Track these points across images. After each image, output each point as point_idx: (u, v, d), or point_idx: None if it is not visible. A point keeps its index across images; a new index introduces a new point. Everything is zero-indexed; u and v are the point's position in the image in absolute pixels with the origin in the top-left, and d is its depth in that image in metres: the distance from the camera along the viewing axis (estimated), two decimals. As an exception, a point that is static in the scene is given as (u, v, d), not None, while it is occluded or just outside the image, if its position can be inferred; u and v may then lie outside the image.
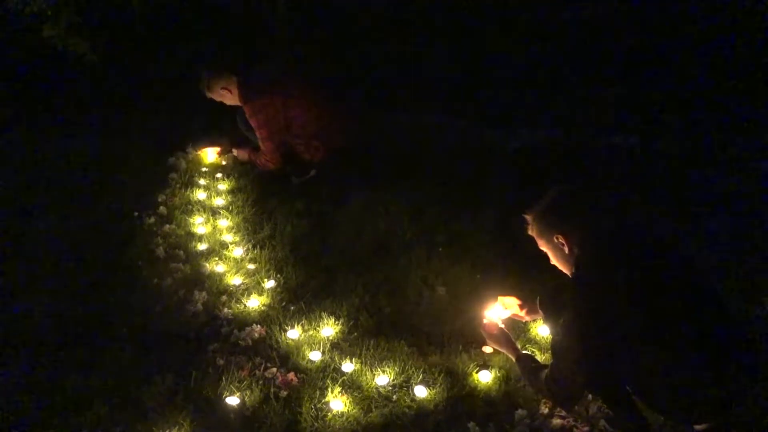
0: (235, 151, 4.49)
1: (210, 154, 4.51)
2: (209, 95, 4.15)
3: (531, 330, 2.81)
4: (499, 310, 2.76)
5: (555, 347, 2.20)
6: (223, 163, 4.51)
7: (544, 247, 2.32)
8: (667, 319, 1.97)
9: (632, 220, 2.41)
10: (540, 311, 2.63)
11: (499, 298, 2.79)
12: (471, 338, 2.75)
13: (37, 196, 4.01)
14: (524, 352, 2.59)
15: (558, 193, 2.31)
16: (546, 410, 2.37)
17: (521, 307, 2.77)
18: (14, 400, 2.44)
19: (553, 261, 2.33)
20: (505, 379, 2.52)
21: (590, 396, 2.35)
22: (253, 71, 4.19)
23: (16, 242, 3.51)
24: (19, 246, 3.47)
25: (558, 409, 2.37)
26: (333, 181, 4.15)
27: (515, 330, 2.81)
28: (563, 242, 2.20)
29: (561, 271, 2.32)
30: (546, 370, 2.26)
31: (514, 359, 2.53)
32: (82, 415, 2.35)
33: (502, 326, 2.70)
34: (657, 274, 2.06)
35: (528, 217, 2.33)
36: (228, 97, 4.11)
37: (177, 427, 2.28)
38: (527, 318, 2.79)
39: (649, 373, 1.99)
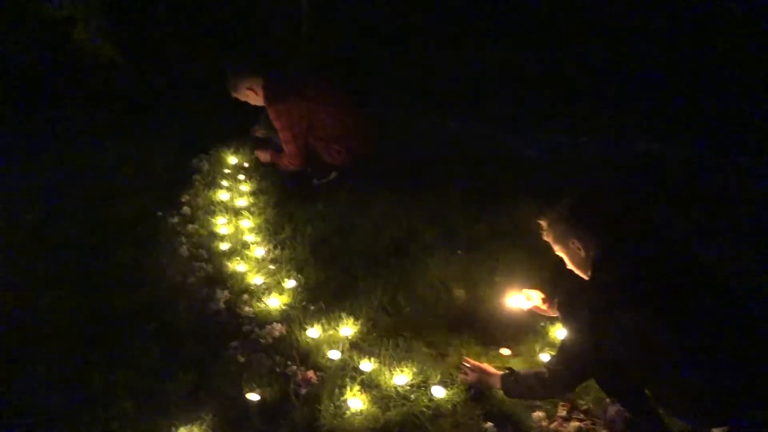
0: (257, 152, 4.56)
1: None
2: (234, 95, 4.21)
3: (549, 333, 2.82)
4: (521, 300, 2.77)
5: (566, 347, 2.21)
6: (245, 164, 4.57)
7: (560, 252, 2.34)
8: (686, 323, 1.98)
9: (650, 225, 2.40)
10: (558, 311, 2.64)
11: (524, 290, 2.80)
12: (489, 340, 2.77)
13: (63, 195, 4.09)
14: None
15: (574, 199, 2.33)
16: (564, 412, 2.38)
17: (544, 301, 2.77)
18: (41, 394, 2.49)
19: (570, 265, 2.33)
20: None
21: (608, 399, 2.36)
22: (278, 73, 4.24)
23: (42, 240, 3.58)
24: (45, 243, 3.55)
25: (576, 411, 2.38)
26: (353, 183, 4.19)
27: (534, 333, 2.82)
28: (580, 246, 2.21)
29: (577, 275, 2.34)
30: (536, 370, 2.31)
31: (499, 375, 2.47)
32: (107, 409, 2.41)
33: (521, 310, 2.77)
34: (675, 278, 2.07)
35: (543, 223, 2.35)
36: (252, 97, 4.17)
37: (199, 422, 2.32)
38: (548, 312, 2.78)
39: (668, 378, 2.00)
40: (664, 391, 2.06)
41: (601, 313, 2.06)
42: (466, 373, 2.56)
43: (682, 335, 1.96)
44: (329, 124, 4.16)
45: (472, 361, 2.60)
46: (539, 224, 2.36)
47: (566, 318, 2.38)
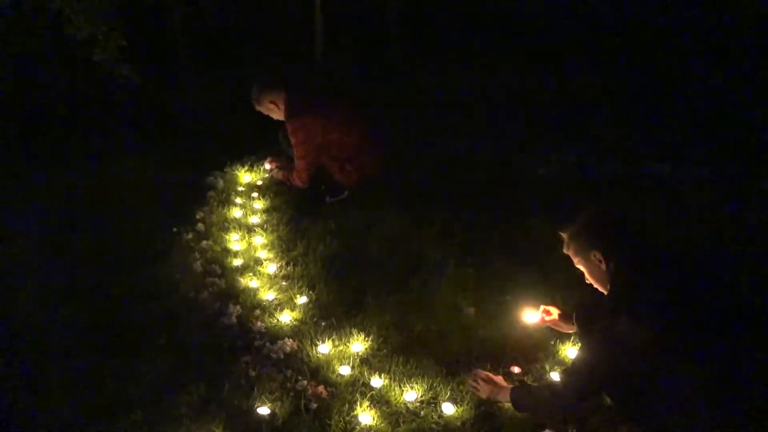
0: (272, 169, 4.62)
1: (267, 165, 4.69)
2: (258, 108, 4.30)
3: (560, 352, 2.81)
4: (537, 316, 2.83)
5: (582, 357, 2.24)
6: (259, 182, 4.63)
7: (580, 265, 2.36)
8: (704, 341, 2.00)
9: (666, 243, 2.44)
10: (575, 324, 2.65)
11: (541, 306, 2.84)
12: (500, 358, 2.77)
13: (79, 209, 4.16)
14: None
15: (595, 212, 2.36)
16: (574, 430, 2.37)
17: (560, 317, 2.81)
18: (54, 404, 2.52)
19: (589, 279, 2.36)
20: (532, 400, 2.53)
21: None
22: (300, 89, 4.29)
23: (58, 253, 3.64)
24: (61, 257, 3.60)
25: (586, 429, 2.37)
26: (366, 202, 4.22)
27: (544, 352, 2.82)
28: (601, 259, 2.24)
29: (596, 289, 2.35)
30: (549, 382, 2.40)
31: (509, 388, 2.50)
32: (118, 420, 2.43)
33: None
34: (694, 296, 2.11)
35: (564, 235, 2.37)
36: (275, 111, 4.25)
37: (209, 435, 2.34)
38: (565, 328, 2.82)
39: (682, 397, 2.00)
40: (661, 407, 2.09)
41: (618, 325, 2.07)
42: (477, 385, 2.56)
43: (701, 355, 1.98)
44: (344, 144, 4.21)
45: (483, 372, 2.61)
46: (560, 237, 2.39)
47: (583, 330, 2.40)
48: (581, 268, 2.36)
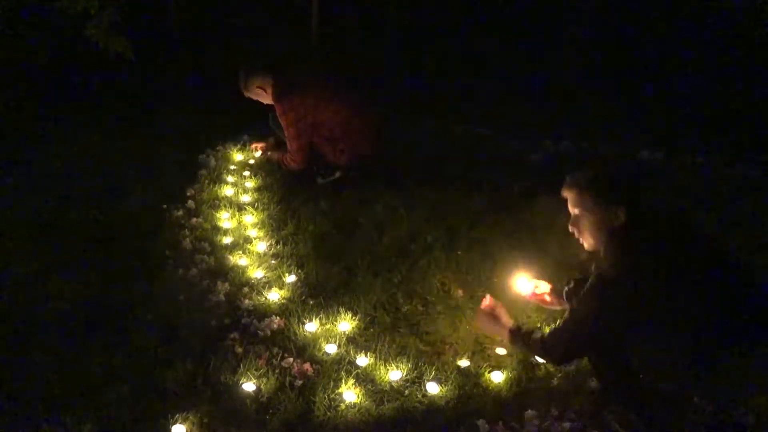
0: (263, 153, 4.61)
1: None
2: (246, 94, 4.29)
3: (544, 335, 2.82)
4: (528, 286, 2.84)
5: (571, 317, 2.29)
6: (251, 161, 4.61)
7: (584, 219, 2.30)
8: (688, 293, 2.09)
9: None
10: (565, 300, 2.66)
11: (534, 280, 2.87)
12: (485, 339, 2.79)
13: (71, 187, 4.14)
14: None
15: (603, 168, 2.39)
16: (556, 412, 2.39)
17: (552, 292, 2.82)
18: (41, 379, 2.52)
19: (586, 236, 2.32)
20: (516, 381, 2.55)
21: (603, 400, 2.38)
22: (287, 71, 4.28)
23: (49, 229, 3.63)
24: (50, 233, 3.59)
25: (569, 411, 2.39)
26: (357, 183, 4.22)
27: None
28: (618, 215, 2.20)
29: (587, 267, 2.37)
30: (540, 332, 2.40)
31: (508, 326, 2.55)
32: (104, 394, 2.44)
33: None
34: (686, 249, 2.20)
35: (571, 190, 2.31)
36: (263, 95, 4.24)
37: (195, 410, 2.35)
38: (552, 305, 2.83)
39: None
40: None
41: (611, 276, 2.12)
42: (482, 315, 2.65)
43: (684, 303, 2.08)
44: (335, 123, 4.19)
45: (492, 301, 2.67)
46: (570, 191, 2.32)
47: (572, 299, 2.42)
48: (584, 224, 2.30)
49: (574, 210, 2.32)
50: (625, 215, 2.19)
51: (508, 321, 2.59)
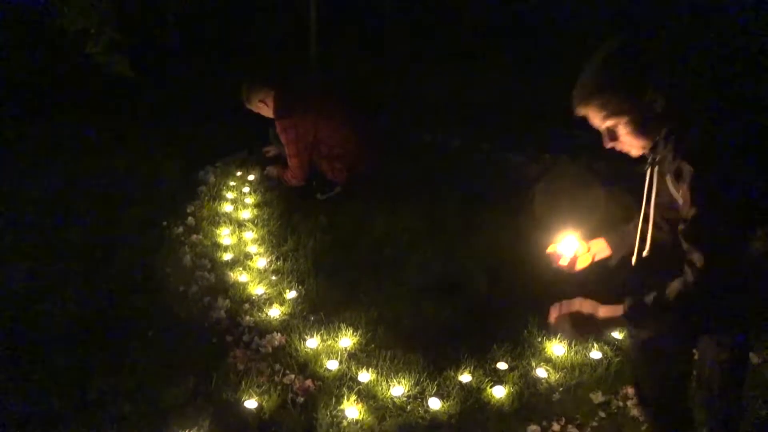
0: (266, 168, 4.64)
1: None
2: (248, 106, 4.35)
3: (546, 349, 2.83)
4: (575, 247, 2.23)
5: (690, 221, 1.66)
6: (250, 178, 4.63)
7: (619, 128, 1.79)
8: None
9: None
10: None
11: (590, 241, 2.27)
12: (487, 354, 2.79)
13: (70, 202, 4.16)
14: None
15: (620, 42, 1.76)
16: (558, 427, 2.40)
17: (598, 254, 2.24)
18: (40, 397, 2.51)
19: (633, 142, 1.82)
20: (518, 396, 2.55)
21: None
22: (288, 88, 4.32)
23: (48, 245, 3.64)
24: (51, 249, 3.61)
25: (571, 426, 2.39)
26: (356, 198, 4.24)
27: (531, 348, 2.83)
28: (655, 97, 1.71)
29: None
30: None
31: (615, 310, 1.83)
32: (106, 412, 2.43)
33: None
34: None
35: (585, 105, 1.80)
36: (264, 109, 4.29)
37: (196, 428, 2.34)
38: (593, 256, 2.26)
39: None
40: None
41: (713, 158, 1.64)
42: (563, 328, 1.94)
43: None
44: (334, 142, 4.23)
45: (568, 310, 1.94)
46: (584, 107, 1.81)
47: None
48: (619, 129, 1.80)
49: (600, 125, 1.83)
50: (663, 94, 1.71)
51: (601, 307, 1.88)
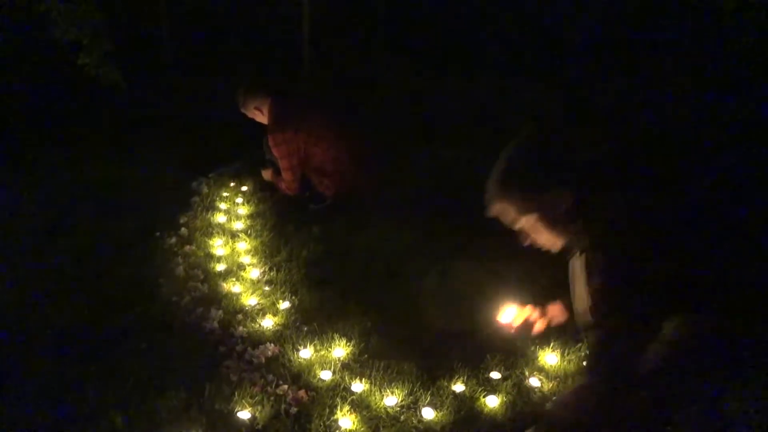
0: (262, 171, 4.64)
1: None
2: (242, 110, 4.36)
3: (539, 358, 2.84)
4: (512, 314, 2.62)
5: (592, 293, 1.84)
6: (244, 188, 4.64)
7: (530, 225, 1.91)
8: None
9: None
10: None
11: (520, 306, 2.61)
12: (480, 364, 2.79)
13: (62, 214, 4.14)
14: None
15: (506, 161, 1.88)
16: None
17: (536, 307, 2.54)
18: (31, 407, 2.50)
19: (547, 239, 1.95)
20: (511, 405, 2.56)
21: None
22: (283, 101, 4.30)
23: (40, 256, 3.63)
24: (43, 260, 3.59)
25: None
26: (350, 208, 4.24)
27: (524, 357, 2.84)
28: (559, 196, 1.81)
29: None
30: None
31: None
32: (98, 424, 2.42)
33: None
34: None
35: (495, 204, 1.94)
36: (259, 116, 4.31)
37: (189, 439, 2.34)
38: (548, 321, 2.59)
39: None
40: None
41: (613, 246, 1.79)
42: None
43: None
44: (326, 158, 4.24)
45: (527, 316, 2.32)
46: (495, 206, 1.96)
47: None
48: (537, 227, 1.91)
49: (513, 223, 1.97)
50: (569, 192, 1.82)
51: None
